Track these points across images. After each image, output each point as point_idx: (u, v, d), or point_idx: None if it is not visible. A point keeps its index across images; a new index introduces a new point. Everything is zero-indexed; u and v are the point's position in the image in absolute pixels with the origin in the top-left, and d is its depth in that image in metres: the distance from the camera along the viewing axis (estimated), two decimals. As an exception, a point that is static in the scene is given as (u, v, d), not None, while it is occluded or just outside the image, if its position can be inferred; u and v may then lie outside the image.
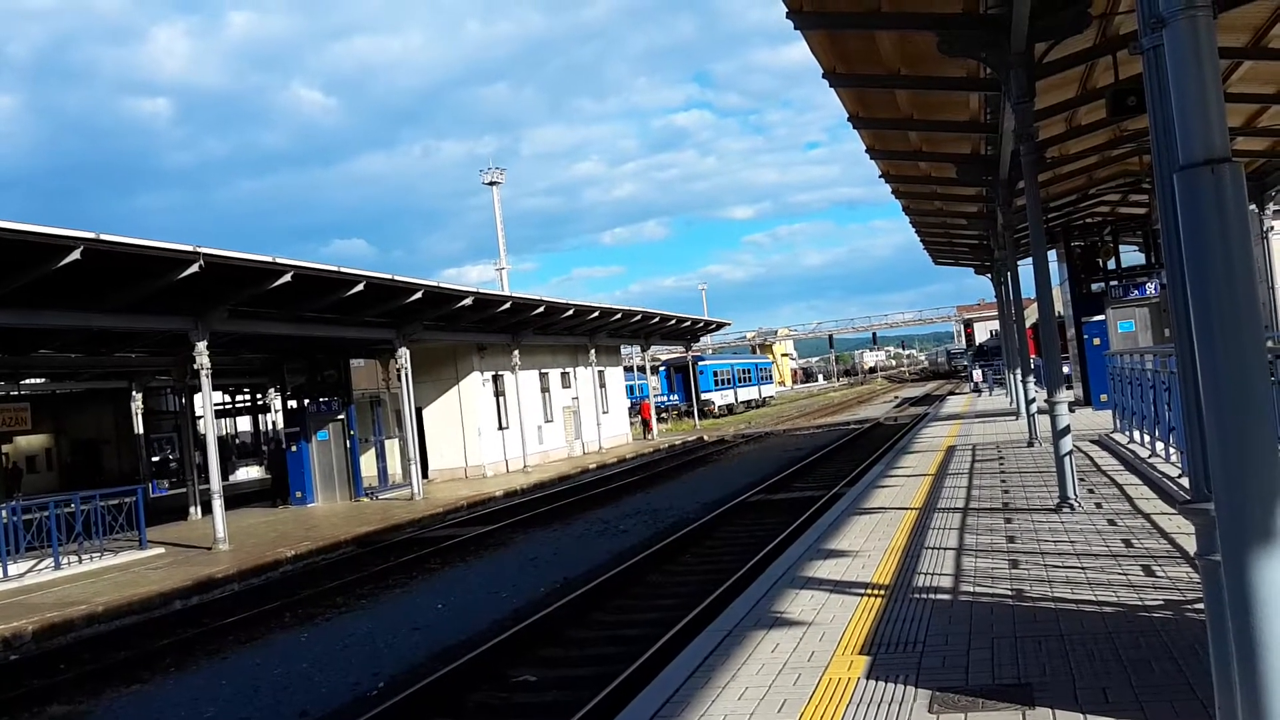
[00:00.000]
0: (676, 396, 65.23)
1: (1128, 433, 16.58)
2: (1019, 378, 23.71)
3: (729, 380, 70.51)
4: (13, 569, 17.48)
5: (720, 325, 59.69)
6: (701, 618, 10.17)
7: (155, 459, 35.64)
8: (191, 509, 27.45)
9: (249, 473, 40.40)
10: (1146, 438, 14.53)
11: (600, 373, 43.90)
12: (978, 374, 52.02)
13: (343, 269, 21.92)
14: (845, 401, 74.01)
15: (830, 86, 13.70)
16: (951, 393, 58.07)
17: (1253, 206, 21.88)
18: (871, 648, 6.54)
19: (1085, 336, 26.84)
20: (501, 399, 35.05)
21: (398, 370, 27.69)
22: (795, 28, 11.33)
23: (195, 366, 20.24)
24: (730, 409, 68.15)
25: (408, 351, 27.40)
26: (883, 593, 8.08)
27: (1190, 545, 8.08)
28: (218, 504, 20.16)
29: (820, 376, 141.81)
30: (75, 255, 15.32)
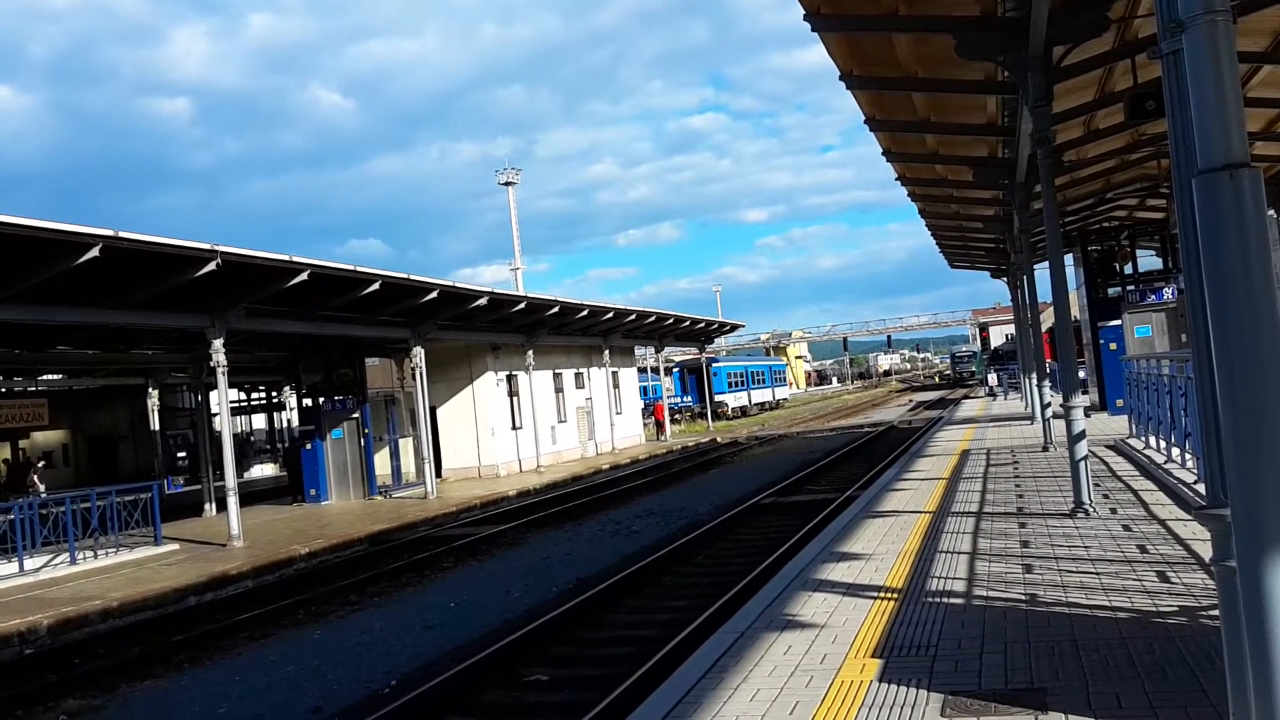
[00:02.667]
0: (690, 398, 65.19)
1: (1143, 438, 16.50)
2: (1034, 382, 23.61)
3: (743, 382, 70.44)
4: (29, 563, 17.60)
5: (734, 327, 59.58)
6: (714, 619, 10.17)
7: (179, 455, 35.93)
8: (206, 506, 27.60)
9: (263, 470, 40.62)
10: (1162, 443, 14.45)
11: (614, 374, 43.90)
12: (993, 378, 51.84)
13: (359, 268, 22.00)
14: (859, 404, 73.87)
15: (847, 89, 13.68)
16: (966, 397, 57.87)
17: (1271, 212, 21.71)
18: (884, 651, 6.54)
19: (1101, 341, 26.74)
20: (515, 399, 35.11)
21: (412, 369, 27.76)
22: (812, 29, 11.31)
23: (211, 364, 20.34)
24: (744, 411, 68.08)
25: (422, 351, 27.47)
26: (896, 596, 8.07)
27: (1205, 551, 8.08)
28: (233, 501, 20.25)
29: (834, 379, 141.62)
30: (94, 252, 15.41)
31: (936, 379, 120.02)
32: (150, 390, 33.10)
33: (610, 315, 37.47)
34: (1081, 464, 11.17)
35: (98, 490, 19.62)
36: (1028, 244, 21.92)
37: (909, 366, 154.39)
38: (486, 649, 10.61)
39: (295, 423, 34.53)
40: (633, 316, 39.66)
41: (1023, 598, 7.59)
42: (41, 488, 26.77)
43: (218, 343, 19.96)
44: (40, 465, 30.76)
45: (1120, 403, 22.63)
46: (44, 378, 32.42)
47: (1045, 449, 18.90)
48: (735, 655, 6.79)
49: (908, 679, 5.88)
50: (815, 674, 6.19)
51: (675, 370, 67.31)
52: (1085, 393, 25.26)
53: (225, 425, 21.80)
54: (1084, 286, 28.60)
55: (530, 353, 34.38)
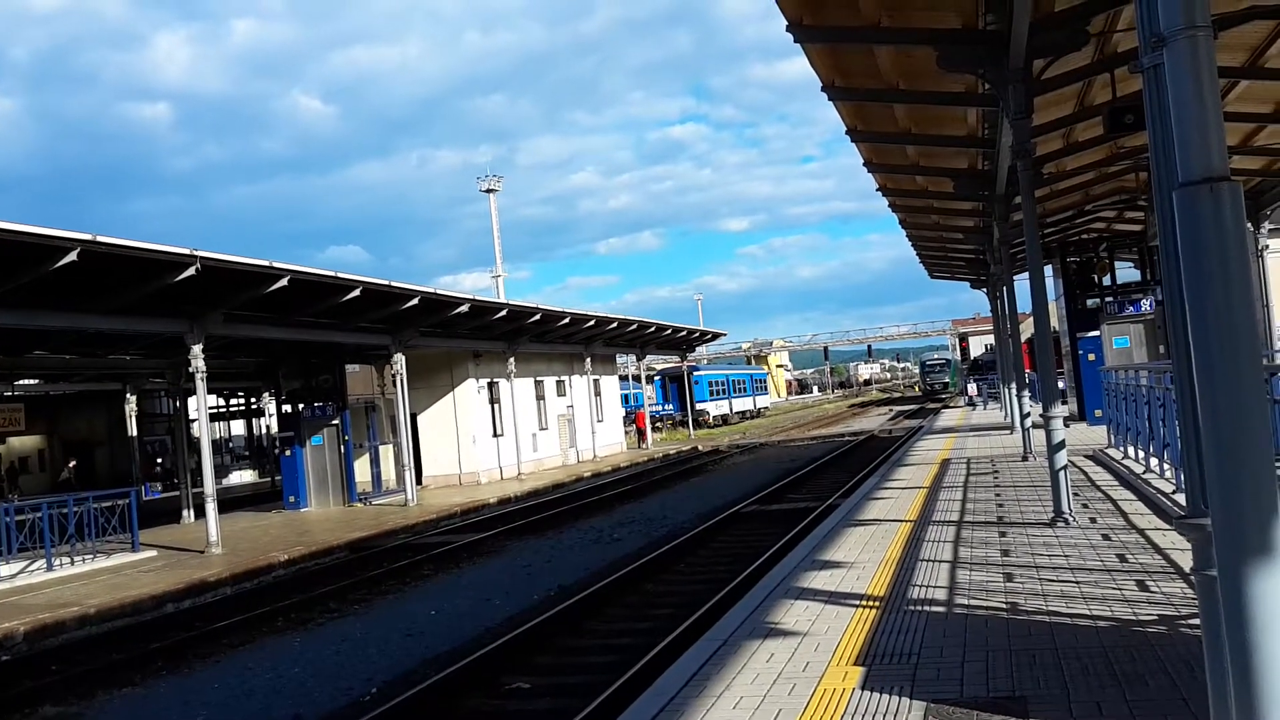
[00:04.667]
0: (671, 406, 65.19)
1: (1122, 448, 16.62)
2: (1014, 392, 23.75)
3: (724, 390, 70.52)
4: (4, 570, 17.43)
5: (715, 336, 59.67)
6: (696, 627, 10.17)
7: (158, 461, 35.77)
8: (184, 512, 27.40)
9: (242, 476, 40.40)
10: (1141, 453, 14.56)
11: (595, 381, 43.89)
12: (972, 388, 52.11)
13: (339, 274, 21.91)
14: (840, 414, 74.10)
15: (829, 99, 13.74)
16: (945, 406, 58.12)
17: (1248, 225, 21.97)
18: (866, 659, 6.56)
19: (1080, 352, 26.94)
20: (496, 406, 35.03)
21: (393, 376, 27.66)
22: (795, 41, 11.37)
23: (190, 370, 20.23)
24: (725, 419, 68.14)
25: (403, 357, 27.38)
26: (878, 604, 8.09)
27: (1184, 561, 8.14)
28: (211, 507, 20.10)
29: (815, 388, 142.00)
30: (72, 256, 15.31)
31: (916, 388, 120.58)
32: (128, 396, 32.87)
33: (592, 323, 37.47)
34: (1061, 473, 11.24)
35: (75, 496, 19.45)
36: (1007, 255, 22.06)
37: (889, 376, 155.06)
38: (467, 657, 10.58)
39: (274, 429, 34.33)
40: (614, 324, 39.68)
41: (1004, 606, 7.63)
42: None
43: (197, 348, 19.85)
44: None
45: (1099, 413, 22.79)
46: (20, 382, 32.15)
47: (1025, 459, 19.00)
48: (718, 663, 6.79)
49: (890, 687, 5.90)
50: (798, 682, 6.21)
51: (656, 378, 67.30)
52: (1064, 403, 25.43)
53: (204, 431, 21.63)
54: (1063, 297, 28.82)
55: (512, 360, 34.34)
